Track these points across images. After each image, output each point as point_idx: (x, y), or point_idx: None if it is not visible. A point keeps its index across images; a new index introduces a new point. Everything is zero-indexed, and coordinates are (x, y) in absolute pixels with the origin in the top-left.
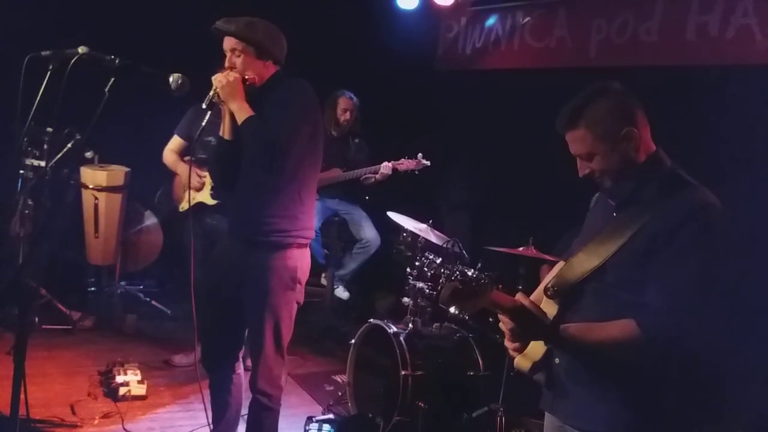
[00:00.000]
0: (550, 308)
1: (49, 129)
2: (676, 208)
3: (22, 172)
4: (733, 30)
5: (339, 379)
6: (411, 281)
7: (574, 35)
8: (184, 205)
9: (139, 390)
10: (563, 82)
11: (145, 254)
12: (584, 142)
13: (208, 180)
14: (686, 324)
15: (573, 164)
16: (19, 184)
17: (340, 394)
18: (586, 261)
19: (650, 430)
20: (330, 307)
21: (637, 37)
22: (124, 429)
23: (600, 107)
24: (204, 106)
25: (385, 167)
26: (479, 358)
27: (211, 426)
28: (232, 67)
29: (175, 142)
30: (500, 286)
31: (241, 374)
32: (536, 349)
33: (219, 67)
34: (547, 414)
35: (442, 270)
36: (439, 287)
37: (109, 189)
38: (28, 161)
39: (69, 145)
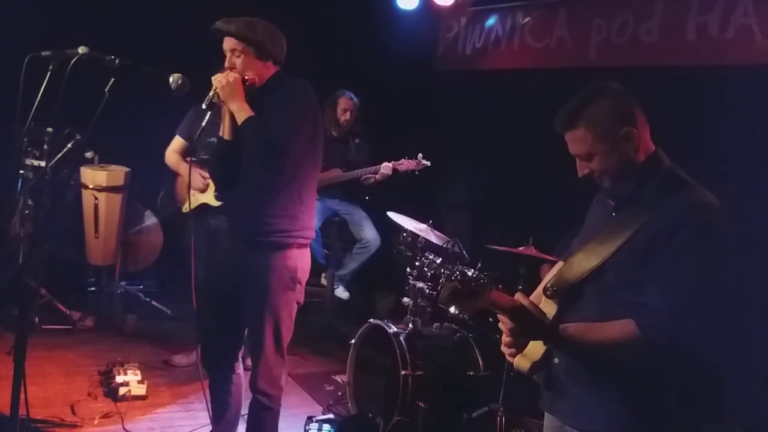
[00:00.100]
0: (549, 308)
1: (49, 129)
2: (676, 207)
3: (22, 172)
4: (733, 30)
5: (339, 379)
6: (411, 281)
7: (574, 35)
8: (187, 206)
9: (139, 390)
10: (563, 83)
11: (145, 254)
12: (583, 142)
13: (212, 181)
14: (685, 324)
15: (573, 164)
16: (19, 185)
17: (340, 394)
18: (585, 261)
19: (649, 430)
20: (330, 307)
21: (637, 38)
22: (124, 429)
23: (599, 107)
24: (204, 107)
25: (385, 167)
26: (479, 358)
27: (212, 426)
28: (232, 68)
29: (177, 142)
30: (500, 286)
31: (241, 374)
32: (535, 349)
33: (219, 67)
34: (546, 414)
35: (442, 270)
36: (439, 287)
37: (109, 189)
38: (28, 161)
39: (69, 145)
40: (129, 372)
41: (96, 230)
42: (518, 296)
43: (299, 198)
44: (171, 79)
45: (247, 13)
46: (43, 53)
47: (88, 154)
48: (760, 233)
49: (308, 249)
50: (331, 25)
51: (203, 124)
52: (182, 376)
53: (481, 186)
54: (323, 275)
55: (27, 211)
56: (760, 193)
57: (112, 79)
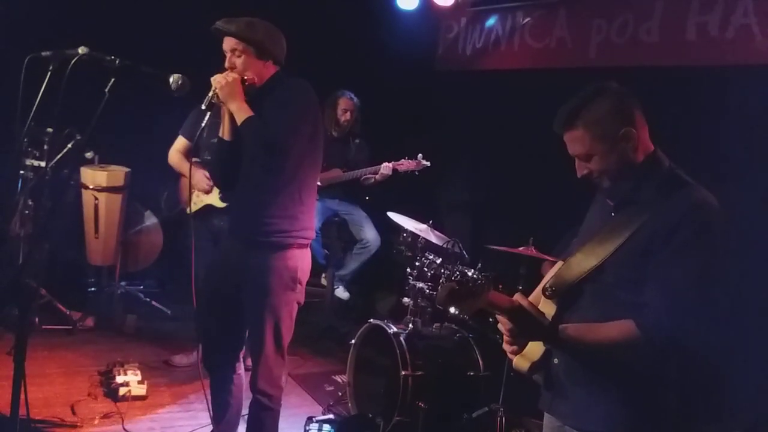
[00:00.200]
0: (548, 308)
1: (50, 129)
2: (675, 207)
3: (22, 172)
4: (733, 30)
5: (339, 380)
6: (411, 281)
7: (574, 35)
8: (192, 207)
9: (139, 390)
10: (563, 83)
11: (145, 254)
12: (582, 142)
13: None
14: (685, 324)
15: (573, 164)
16: (20, 185)
17: (340, 394)
18: (584, 261)
19: (649, 430)
20: (330, 307)
21: (637, 38)
22: (124, 429)
23: (598, 107)
24: (203, 107)
25: (385, 168)
26: (479, 359)
27: (212, 426)
28: (232, 68)
29: (180, 142)
30: (501, 286)
31: (242, 374)
32: (535, 349)
33: (219, 67)
34: (546, 414)
35: (443, 270)
36: (439, 287)
37: (109, 189)
38: (29, 161)
39: (69, 146)
40: (129, 372)
41: (96, 230)
42: (517, 297)
43: (299, 198)
44: (171, 80)
45: (247, 13)
46: (43, 53)
47: (88, 155)
48: (760, 233)
49: (308, 249)
50: (331, 25)
51: (203, 124)
52: (182, 377)
53: (481, 186)
54: (323, 275)
55: (27, 212)
56: (760, 193)
57: (113, 80)
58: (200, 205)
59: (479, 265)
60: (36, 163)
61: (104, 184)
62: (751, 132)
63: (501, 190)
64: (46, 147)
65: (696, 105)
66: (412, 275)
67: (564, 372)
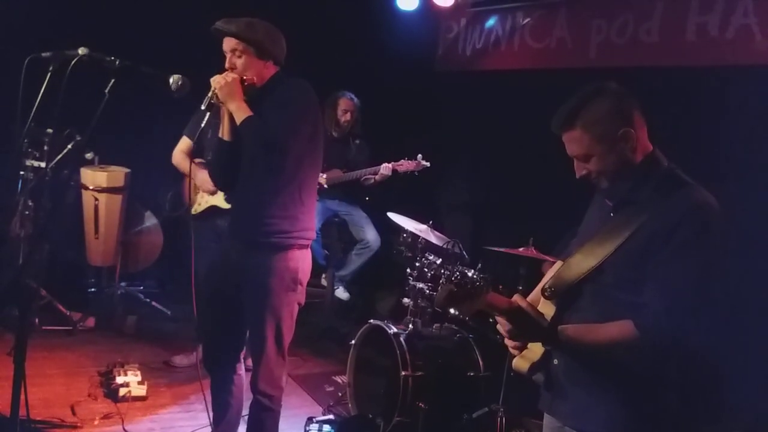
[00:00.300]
0: (547, 309)
1: (50, 130)
2: (674, 208)
3: (22, 173)
4: (733, 30)
5: (339, 380)
6: (411, 282)
7: (574, 36)
8: (197, 208)
9: (140, 391)
10: (563, 83)
11: (145, 255)
12: (581, 143)
13: None
14: (684, 324)
15: (572, 165)
16: (20, 185)
17: (340, 394)
18: (583, 261)
19: (649, 430)
20: (330, 307)
21: (637, 38)
22: (125, 430)
23: (597, 108)
24: (203, 108)
25: (385, 168)
26: (479, 359)
27: (212, 426)
28: (232, 68)
29: (185, 143)
30: (500, 287)
31: (242, 375)
32: (535, 350)
33: (220, 68)
34: (546, 415)
35: (443, 271)
36: (439, 287)
37: (109, 190)
38: (29, 162)
39: (69, 146)
40: (129, 373)
41: (96, 231)
42: (516, 298)
43: (299, 198)
44: (171, 80)
45: (247, 13)
46: (44, 54)
47: (89, 155)
48: (760, 233)
49: (309, 250)
50: (331, 26)
51: (202, 125)
52: (182, 377)
53: (481, 186)
54: (323, 276)
55: (27, 212)
56: (760, 193)
57: (113, 80)
58: (205, 206)
59: (479, 265)
60: (36, 163)
61: (104, 185)
62: (751, 132)
63: (501, 190)
64: (46, 148)
65: (696, 105)
66: (412, 276)
67: (564, 372)
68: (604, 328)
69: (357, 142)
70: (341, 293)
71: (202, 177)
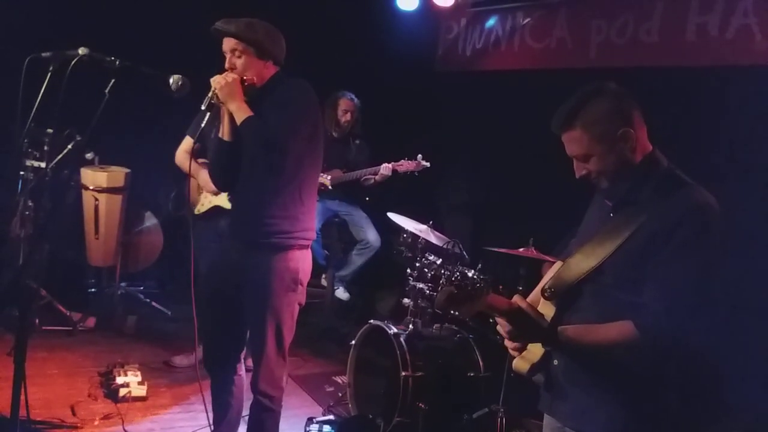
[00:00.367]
0: (547, 310)
1: (50, 130)
2: (673, 208)
3: (22, 173)
4: (733, 30)
5: (339, 380)
6: (411, 282)
7: (575, 36)
8: (200, 208)
9: (140, 391)
10: (563, 83)
11: (145, 255)
12: (580, 143)
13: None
14: (684, 324)
15: (572, 165)
16: (20, 186)
17: (340, 395)
18: (583, 262)
19: (649, 430)
20: (330, 308)
21: (637, 38)
22: (125, 430)
23: (596, 108)
24: (203, 108)
25: (385, 168)
26: (480, 359)
27: (212, 427)
28: (232, 68)
29: (188, 143)
30: (500, 287)
31: (243, 375)
32: (534, 350)
33: (220, 68)
34: (546, 415)
35: (443, 271)
36: (439, 288)
37: (110, 190)
38: (29, 162)
39: (69, 147)
40: (129, 373)
41: (96, 231)
42: (516, 299)
43: (300, 199)
44: (171, 80)
45: (247, 13)
46: (44, 54)
47: (89, 155)
48: (760, 233)
49: (309, 250)
50: (331, 26)
51: (202, 125)
52: (182, 377)
53: (481, 187)
54: (323, 276)
55: (27, 212)
56: (760, 194)
57: (113, 80)
58: (208, 206)
59: (479, 265)
60: (36, 163)
61: (104, 185)
62: (751, 132)
63: (501, 190)
64: (46, 148)
65: (696, 105)
66: (412, 276)
67: (564, 373)
68: (604, 329)
69: (357, 142)
70: (341, 293)
71: (205, 177)
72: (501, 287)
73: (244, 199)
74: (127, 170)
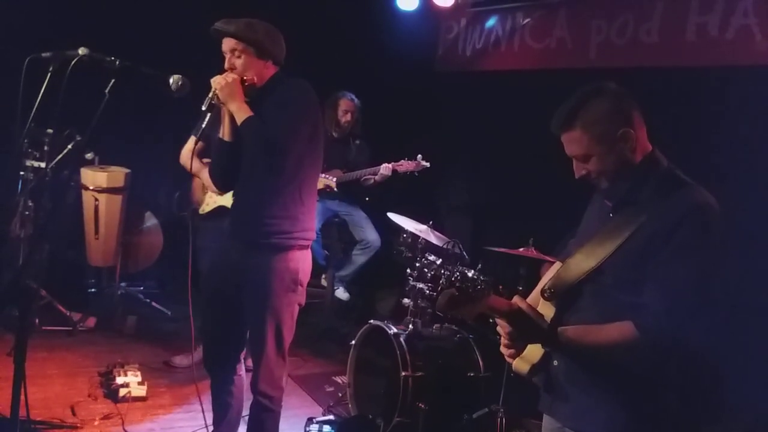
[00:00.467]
0: (547, 310)
1: (50, 130)
2: (674, 208)
3: (22, 173)
4: (733, 30)
5: (339, 380)
6: (411, 282)
7: (575, 36)
8: (204, 208)
9: (140, 391)
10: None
11: (145, 255)
12: (580, 143)
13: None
14: (684, 325)
15: (572, 165)
16: (20, 186)
17: (340, 395)
18: (583, 262)
19: (649, 431)
20: (330, 308)
21: (637, 38)
22: (125, 430)
23: (596, 108)
24: (203, 108)
25: (385, 168)
26: (480, 359)
27: (212, 427)
28: (232, 68)
29: (192, 142)
30: (501, 288)
31: (243, 375)
32: (534, 351)
33: (220, 68)
34: (545, 416)
35: (443, 271)
36: (439, 288)
37: (110, 190)
38: (29, 162)
39: (69, 147)
40: (129, 373)
41: (96, 231)
42: (516, 299)
43: (300, 199)
44: (171, 81)
45: (247, 13)
46: (44, 54)
47: (89, 156)
48: (760, 233)
49: (309, 250)
50: (331, 26)
51: (203, 126)
52: (182, 378)
53: (481, 187)
54: (323, 276)
55: (27, 213)
56: (760, 194)
57: (113, 81)
58: (213, 206)
59: (479, 266)
60: (36, 164)
61: (104, 185)
62: (751, 132)
63: (501, 190)
64: (46, 148)
65: (696, 105)
66: (412, 276)
67: (563, 374)
68: (604, 329)
69: (357, 142)
70: (341, 294)
71: (208, 177)
72: (501, 287)
73: (244, 199)
74: (127, 170)
